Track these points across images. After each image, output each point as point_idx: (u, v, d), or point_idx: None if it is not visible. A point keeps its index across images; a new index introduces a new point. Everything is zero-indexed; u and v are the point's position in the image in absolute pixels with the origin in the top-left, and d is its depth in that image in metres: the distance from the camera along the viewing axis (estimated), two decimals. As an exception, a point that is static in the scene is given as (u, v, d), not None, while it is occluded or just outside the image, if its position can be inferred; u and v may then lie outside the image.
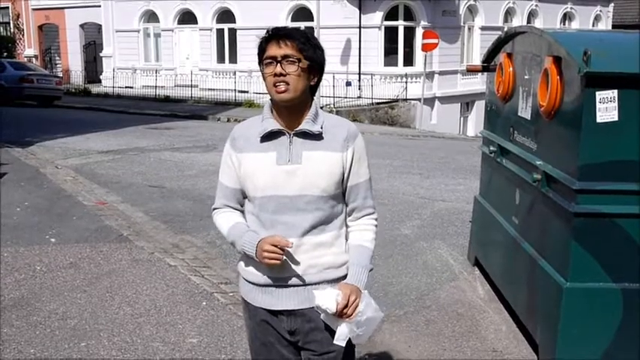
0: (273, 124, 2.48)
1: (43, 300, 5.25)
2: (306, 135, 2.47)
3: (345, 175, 2.51)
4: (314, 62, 2.45)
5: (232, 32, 27.07)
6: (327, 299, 2.41)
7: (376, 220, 2.64)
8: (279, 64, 2.41)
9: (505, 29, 7.33)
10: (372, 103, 22.46)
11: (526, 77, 4.99)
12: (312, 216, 2.47)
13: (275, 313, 2.57)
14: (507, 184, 5.33)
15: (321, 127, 2.48)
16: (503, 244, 5.30)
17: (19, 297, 5.30)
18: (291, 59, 2.41)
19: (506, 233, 5.20)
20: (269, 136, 2.49)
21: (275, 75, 2.41)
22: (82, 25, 33.64)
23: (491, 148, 5.78)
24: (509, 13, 27.81)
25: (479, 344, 4.73)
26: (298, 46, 2.42)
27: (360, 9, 23.90)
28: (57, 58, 35.28)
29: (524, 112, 4.97)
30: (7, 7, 36.47)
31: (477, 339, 4.82)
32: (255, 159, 2.49)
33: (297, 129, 2.47)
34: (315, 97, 2.58)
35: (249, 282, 2.60)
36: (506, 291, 5.27)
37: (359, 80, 23.46)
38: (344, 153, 2.49)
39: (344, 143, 2.49)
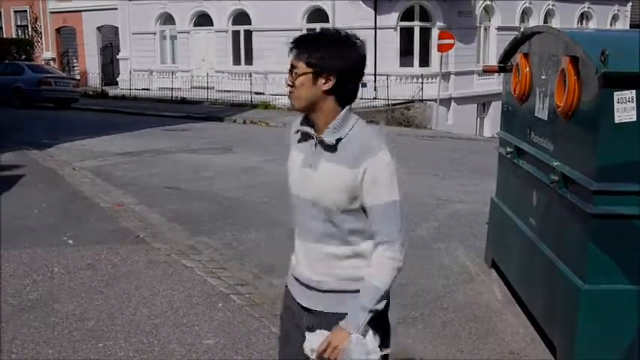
0: (299, 125, 2.48)
1: (61, 301, 5.29)
2: (324, 144, 2.40)
3: (360, 194, 2.35)
4: (315, 67, 2.32)
5: (248, 34, 27.14)
6: (315, 341, 2.39)
7: (395, 252, 2.34)
8: (289, 74, 2.40)
9: (522, 29, 7.29)
10: (388, 104, 22.43)
11: (543, 77, 4.95)
12: (323, 226, 2.41)
13: (300, 305, 2.56)
14: (524, 186, 5.30)
15: (342, 138, 2.37)
16: (520, 245, 5.27)
17: (38, 298, 5.33)
18: (293, 69, 2.38)
19: (523, 235, 5.17)
20: (303, 136, 2.48)
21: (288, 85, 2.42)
22: (99, 28, 33.88)
23: (508, 149, 5.75)
24: (525, 13, 27.67)
25: (496, 346, 4.71)
26: (299, 55, 2.36)
27: (375, 10, 23.87)
28: (74, 60, 35.57)
29: (541, 112, 4.94)
30: (26, 10, 36.81)
31: (494, 341, 4.79)
32: (293, 155, 2.51)
33: (319, 137, 2.43)
34: (343, 104, 2.40)
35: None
36: (523, 293, 5.24)
37: (374, 81, 23.41)
38: (355, 170, 2.32)
39: (355, 160, 2.32)
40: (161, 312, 5.10)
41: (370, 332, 2.36)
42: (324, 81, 2.33)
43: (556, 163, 4.45)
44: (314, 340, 2.40)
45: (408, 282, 5.87)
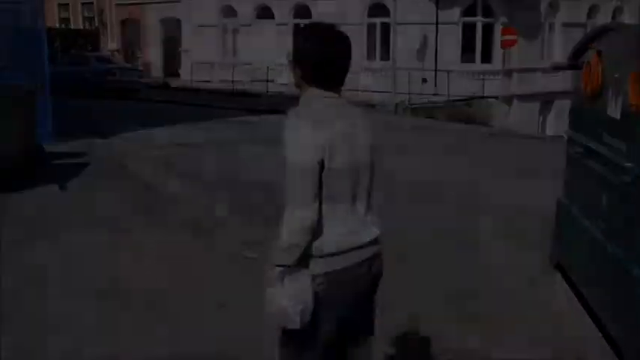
0: None
1: (130, 286, 5.42)
2: None
3: None
4: (293, 57, 2.65)
5: (308, 27, 27.15)
6: None
7: (286, 211, 2.58)
8: None
9: (589, 26, 7.12)
10: (448, 100, 22.18)
11: (616, 76, 4.82)
12: None
13: None
14: (593, 186, 5.17)
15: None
16: (588, 248, 5.15)
17: (107, 283, 5.47)
18: None
19: (591, 237, 5.04)
20: None
21: None
22: (162, 20, 34.46)
23: (577, 148, 5.63)
24: (592, 10, 26.97)
25: (560, 351, 4.61)
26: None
27: (437, 5, 23.63)
28: (138, 52, 36.28)
29: (614, 111, 4.81)
30: (92, 3, 37.75)
31: (559, 345, 4.69)
32: None
33: None
34: (315, 87, 2.60)
35: None
36: (590, 296, 5.12)
37: (435, 77, 23.20)
38: None
39: None
40: (226, 301, 5.17)
41: (284, 283, 2.53)
42: (298, 69, 2.64)
43: (628, 164, 4.32)
44: None
45: (468, 282, 5.80)
